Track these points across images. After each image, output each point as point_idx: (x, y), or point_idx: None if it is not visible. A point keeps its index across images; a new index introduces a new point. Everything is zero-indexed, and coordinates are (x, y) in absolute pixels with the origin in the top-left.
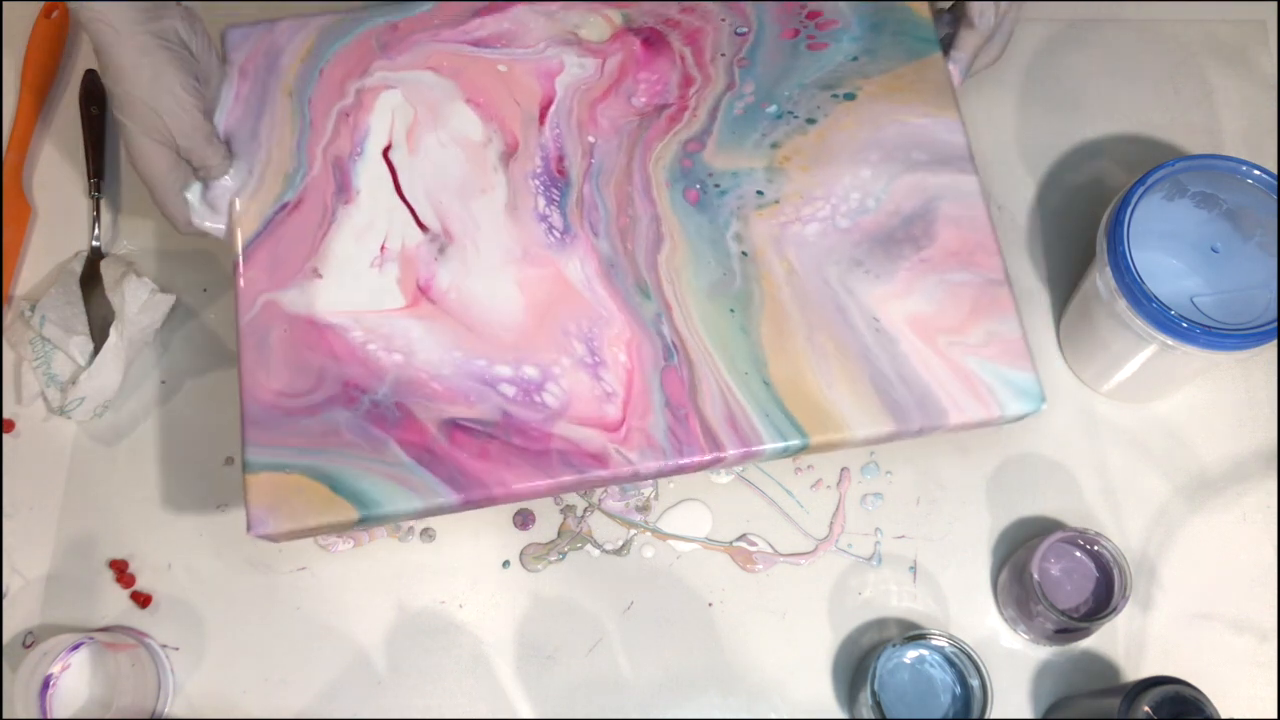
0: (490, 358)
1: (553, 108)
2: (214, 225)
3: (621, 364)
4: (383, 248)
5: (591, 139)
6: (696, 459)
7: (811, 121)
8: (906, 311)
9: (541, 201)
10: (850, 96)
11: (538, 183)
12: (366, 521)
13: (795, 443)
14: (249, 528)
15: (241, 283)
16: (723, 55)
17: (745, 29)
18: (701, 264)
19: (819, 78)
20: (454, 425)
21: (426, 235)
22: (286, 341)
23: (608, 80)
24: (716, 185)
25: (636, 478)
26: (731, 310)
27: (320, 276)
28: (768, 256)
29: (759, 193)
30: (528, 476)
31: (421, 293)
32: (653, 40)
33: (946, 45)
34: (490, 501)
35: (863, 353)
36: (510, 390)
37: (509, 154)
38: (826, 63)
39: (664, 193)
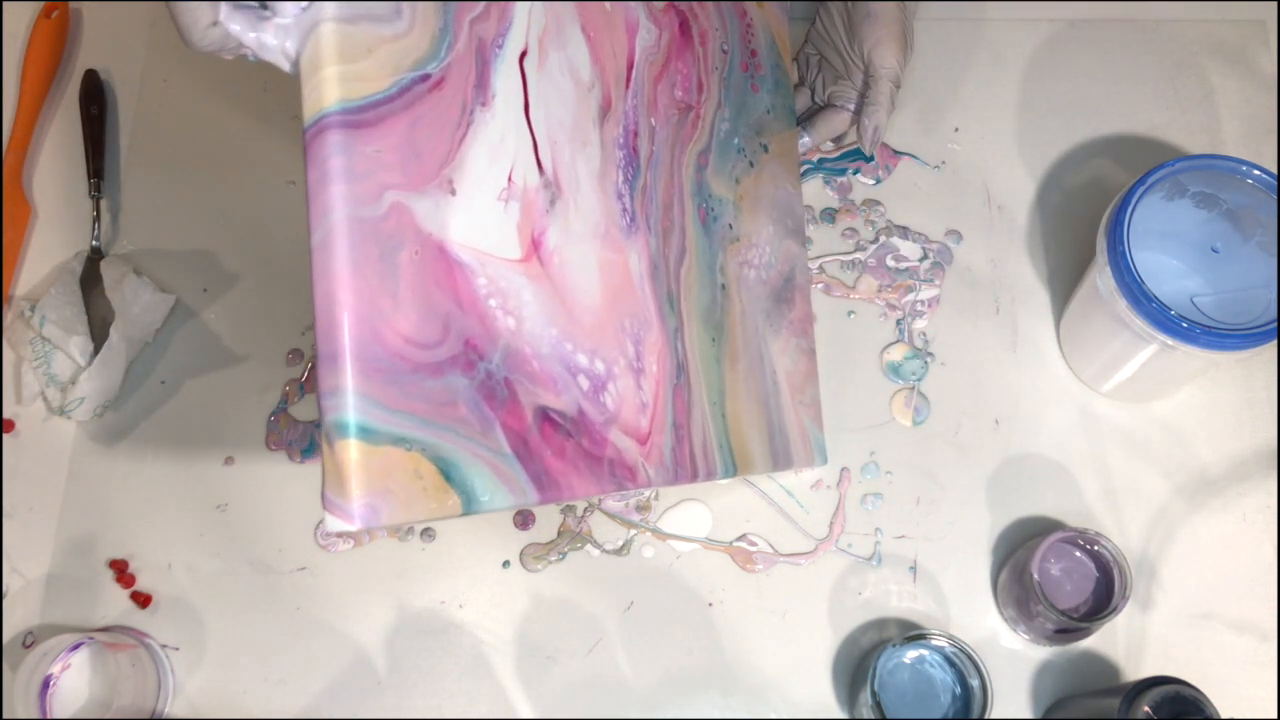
0: (575, 342)
1: (634, 71)
2: (252, 35)
3: (653, 374)
4: (510, 179)
5: (653, 122)
6: (683, 482)
7: (751, 165)
8: (784, 368)
9: (620, 177)
10: (766, 149)
11: (621, 154)
12: (462, 515)
13: (728, 477)
14: (350, 517)
15: (347, 154)
16: (716, 69)
17: (727, 48)
18: (702, 287)
19: (755, 120)
20: (544, 416)
21: (542, 179)
22: (417, 269)
23: (662, 57)
24: (711, 210)
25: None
26: (713, 340)
27: (454, 194)
28: (733, 293)
29: (730, 226)
30: (587, 483)
31: (534, 248)
32: (685, 26)
33: (804, 119)
34: (551, 502)
35: (766, 400)
36: (585, 384)
37: (604, 111)
38: (758, 107)
39: (689, 204)
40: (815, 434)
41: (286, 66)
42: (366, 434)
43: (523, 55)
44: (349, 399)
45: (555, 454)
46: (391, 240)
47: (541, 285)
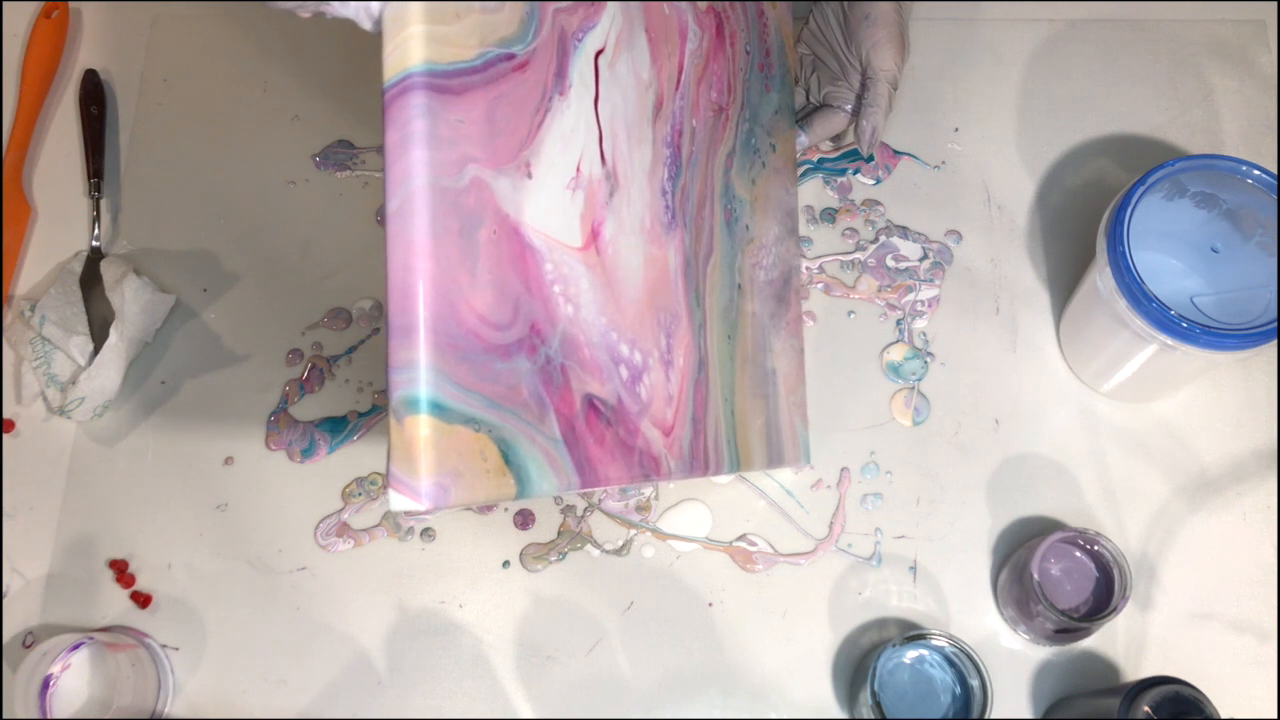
0: (620, 331)
1: (683, 74)
2: None
3: (680, 368)
4: (578, 168)
5: (694, 123)
6: (696, 475)
7: (764, 166)
8: (781, 368)
9: (666, 175)
10: (774, 149)
11: (668, 152)
12: (515, 500)
13: (731, 473)
14: (419, 496)
15: (431, 119)
16: (741, 70)
17: (750, 49)
18: (723, 285)
19: (767, 121)
20: (590, 403)
21: (604, 170)
22: (494, 248)
23: (703, 59)
24: (734, 211)
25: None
26: (728, 337)
27: (530, 177)
28: (746, 292)
29: (747, 227)
30: (620, 472)
31: (593, 237)
32: (720, 28)
33: (800, 118)
34: (589, 489)
35: (766, 398)
36: (625, 373)
37: (658, 108)
38: (770, 107)
39: (718, 204)
40: (803, 433)
41: (368, 25)
42: (439, 411)
43: (599, 52)
44: (422, 373)
45: (596, 441)
46: (473, 216)
47: (596, 274)
